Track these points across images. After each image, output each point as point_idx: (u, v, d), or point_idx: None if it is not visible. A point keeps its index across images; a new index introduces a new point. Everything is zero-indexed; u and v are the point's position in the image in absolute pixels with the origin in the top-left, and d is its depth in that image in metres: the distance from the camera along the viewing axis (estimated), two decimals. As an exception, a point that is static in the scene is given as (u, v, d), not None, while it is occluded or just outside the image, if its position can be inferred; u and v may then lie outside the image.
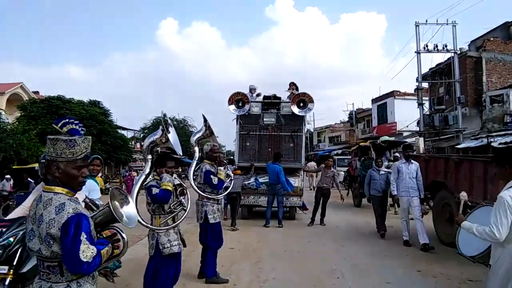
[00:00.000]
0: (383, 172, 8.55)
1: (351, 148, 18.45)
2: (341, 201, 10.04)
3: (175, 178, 4.18)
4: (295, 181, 10.33)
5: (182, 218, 4.10)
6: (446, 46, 21.50)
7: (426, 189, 7.71)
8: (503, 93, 20.09)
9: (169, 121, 4.38)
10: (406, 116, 29.78)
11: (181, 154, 4.09)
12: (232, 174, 10.93)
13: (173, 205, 4.04)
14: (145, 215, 3.97)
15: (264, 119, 10.78)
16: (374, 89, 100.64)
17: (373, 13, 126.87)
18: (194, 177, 5.02)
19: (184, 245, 4.25)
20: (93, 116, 21.82)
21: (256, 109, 10.87)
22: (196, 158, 5.19)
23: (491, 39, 22.21)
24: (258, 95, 11.52)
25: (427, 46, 21.78)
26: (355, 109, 42.96)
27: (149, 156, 3.92)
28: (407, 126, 29.72)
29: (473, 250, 3.29)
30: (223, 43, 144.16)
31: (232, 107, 10.77)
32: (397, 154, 13.53)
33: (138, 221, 3.61)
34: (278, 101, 10.97)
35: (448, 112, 21.75)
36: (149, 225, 3.90)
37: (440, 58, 24.74)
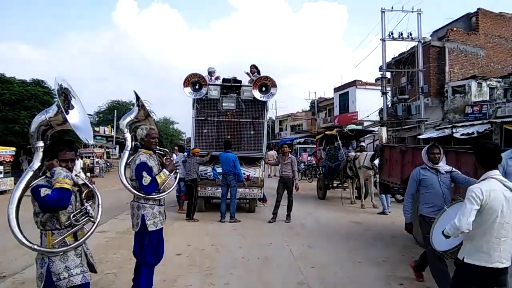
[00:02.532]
0: (446, 172, 4.45)
1: (315, 137, 17.69)
2: (295, 190, 9.07)
3: (77, 175, 2.87)
4: (255, 172, 9.76)
5: (89, 234, 2.82)
6: (411, 34, 21.05)
7: (403, 183, 6.86)
8: (465, 84, 19.92)
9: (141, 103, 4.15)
10: (368, 105, 30.01)
11: (90, 140, 2.98)
12: (178, 156, 10.45)
13: (74, 216, 2.73)
14: (31, 232, 2.75)
15: (223, 104, 10.03)
16: (336, 78, 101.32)
17: (334, 4, 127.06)
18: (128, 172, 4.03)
19: (93, 271, 2.98)
20: (35, 96, 19.79)
21: (214, 93, 10.09)
22: (128, 148, 4.19)
23: (454, 29, 21.98)
24: (217, 78, 10.73)
25: (392, 33, 21.23)
26: (317, 98, 43.08)
27: (40, 143, 2.69)
28: (367, 116, 29.73)
29: (445, 245, 3.26)
30: (184, 26, 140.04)
31: (188, 89, 9.87)
32: (363, 143, 12.95)
33: (19, 240, 2.46)
34: (239, 84, 10.20)
35: (411, 102, 21.42)
36: (36, 246, 2.63)
37: (403, 48, 24.45)
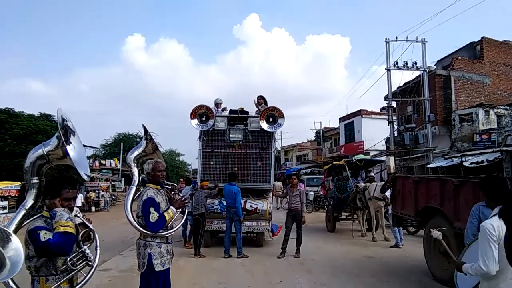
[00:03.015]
0: None
1: (322, 167, 17.50)
2: (303, 223, 8.80)
3: (76, 215, 2.69)
4: (263, 204, 9.65)
5: (86, 279, 2.59)
6: (415, 63, 21.15)
7: (417, 215, 6.63)
8: (472, 112, 19.79)
9: (148, 135, 4.20)
10: (373, 134, 30.19)
11: (87, 176, 2.81)
12: (185, 190, 10.32)
13: (70, 260, 2.51)
14: (19, 277, 2.53)
15: (230, 135, 9.96)
16: (341, 108, 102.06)
17: (337, 36, 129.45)
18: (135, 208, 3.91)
19: None
20: (43, 131, 19.90)
21: (221, 125, 10.07)
22: (135, 183, 4.10)
23: (459, 58, 22.10)
24: (223, 109, 10.76)
25: (397, 63, 21.34)
26: (322, 128, 43.23)
27: (35, 180, 2.56)
28: (374, 146, 29.68)
29: (468, 285, 3.03)
30: (190, 60, 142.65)
31: (195, 121, 9.86)
32: (372, 174, 12.77)
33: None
34: (246, 115, 10.17)
35: (418, 131, 21.26)
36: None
37: (408, 77, 24.58)
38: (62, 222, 2.42)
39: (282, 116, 9.80)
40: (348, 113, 35.75)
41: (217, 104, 10.78)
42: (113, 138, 50.00)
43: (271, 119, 9.79)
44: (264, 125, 9.72)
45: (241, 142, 9.87)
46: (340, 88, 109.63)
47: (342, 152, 34.34)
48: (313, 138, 47.58)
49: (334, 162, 13.92)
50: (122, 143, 42.01)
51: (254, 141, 9.86)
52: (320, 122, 43.70)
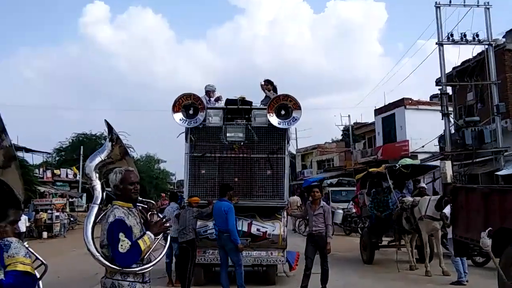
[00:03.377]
0: None
1: (354, 176, 17.49)
2: (328, 252, 8.82)
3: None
4: (274, 227, 9.70)
5: None
6: (477, 35, 20.99)
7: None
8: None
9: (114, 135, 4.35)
10: (421, 132, 30.30)
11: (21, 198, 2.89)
12: (170, 208, 10.34)
13: None
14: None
15: (228, 134, 10.03)
16: (377, 97, 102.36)
17: (368, 1, 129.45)
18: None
19: None
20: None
21: (215, 120, 10.14)
22: (98, 200, 4.12)
23: (537, 26, 21.90)
24: (217, 99, 10.96)
25: (451, 35, 21.21)
26: (351, 124, 43.44)
27: None
28: (422, 146, 29.83)
29: None
30: (172, 36, 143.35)
31: (179, 116, 9.92)
32: (423, 184, 12.89)
33: None
34: (249, 107, 10.27)
35: (483, 126, 21.10)
36: None
37: (467, 54, 24.36)
38: (19, 258, 2.44)
39: (298, 108, 9.81)
40: (387, 104, 35.71)
41: (209, 92, 10.84)
42: (71, 140, 50.23)
43: (283, 112, 9.82)
44: (274, 119, 9.73)
45: (242, 143, 9.92)
46: (374, 70, 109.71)
47: (379, 155, 34.39)
48: (340, 137, 47.62)
49: (370, 170, 13.90)
50: (82, 147, 42.21)
51: (260, 141, 9.88)
52: (349, 116, 43.70)
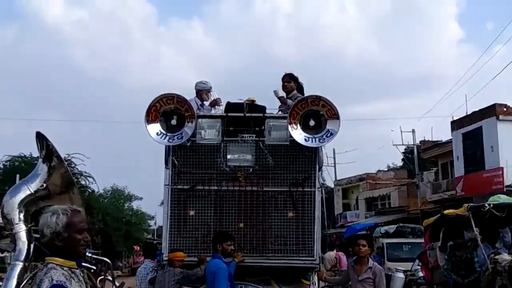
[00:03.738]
0: None
1: (423, 223, 17.30)
2: None
3: None
4: None
5: None
6: None
7: None
8: None
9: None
10: None
11: None
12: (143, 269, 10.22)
13: None
14: None
15: (229, 157, 9.93)
16: (455, 103, 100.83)
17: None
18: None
19: None
20: None
21: (210, 134, 10.06)
22: (22, 256, 4.23)
23: None
24: (214, 103, 11.13)
25: None
26: (417, 143, 43.69)
27: None
28: None
29: None
30: (152, 13, 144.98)
31: (155, 128, 9.78)
32: None
33: None
34: (261, 115, 10.13)
35: None
36: None
37: None
38: None
39: (336, 116, 9.61)
40: (470, 113, 36.04)
41: (201, 93, 10.91)
42: (1, 166, 50.62)
43: (312, 123, 9.66)
44: (299, 134, 9.54)
45: (251, 170, 9.83)
46: (450, 64, 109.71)
47: (459, 190, 34.71)
48: (400, 163, 47.20)
49: (446, 212, 13.79)
50: (18, 175, 42.37)
51: (278, 167, 9.78)
52: (413, 132, 43.94)
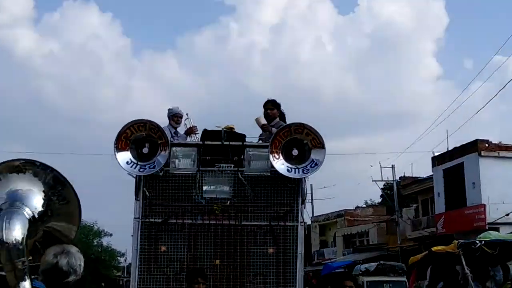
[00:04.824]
0: None
1: (409, 260, 17.14)
2: None
3: None
4: None
5: None
6: None
7: None
8: None
9: None
10: (505, 192, 31.26)
11: None
12: None
13: None
14: None
15: (205, 188, 9.65)
16: (436, 139, 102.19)
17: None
18: None
19: None
20: None
21: (185, 163, 9.85)
22: None
23: None
24: (190, 132, 11.04)
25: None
26: (397, 179, 44.11)
27: None
28: (507, 215, 30.27)
29: None
30: (126, 44, 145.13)
31: (125, 156, 9.46)
32: None
33: None
34: (239, 143, 9.86)
35: None
36: None
37: None
38: None
39: (321, 145, 9.37)
40: (451, 149, 36.47)
41: (175, 118, 10.78)
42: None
43: (295, 152, 9.41)
44: (281, 164, 9.27)
45: (228, 203, 9.55)
46: (429, 100, 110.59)
47: (440, 228, 35.14)
48: (379, 199, 47.19)
49: (434, 249, 13.56)
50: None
51: (258, 200, 9.50)
52: (393, 167, 44.09)
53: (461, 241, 13.61)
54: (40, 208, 4.71)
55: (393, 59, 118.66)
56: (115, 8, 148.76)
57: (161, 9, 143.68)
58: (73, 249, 4.30)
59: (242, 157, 9.62)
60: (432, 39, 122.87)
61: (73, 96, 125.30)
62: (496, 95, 54.74)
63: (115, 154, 9.36)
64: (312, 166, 9.32)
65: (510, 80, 33.83)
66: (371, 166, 50.85)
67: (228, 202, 9.53)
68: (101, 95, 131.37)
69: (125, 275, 49.14)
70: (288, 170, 9.24)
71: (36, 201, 4.68)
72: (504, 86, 37.56)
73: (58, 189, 5.04)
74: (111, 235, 61.32)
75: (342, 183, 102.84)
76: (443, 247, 13.37)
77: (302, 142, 9.38)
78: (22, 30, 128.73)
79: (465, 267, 12.11)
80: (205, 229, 9.48)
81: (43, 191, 4.81)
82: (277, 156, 9.23)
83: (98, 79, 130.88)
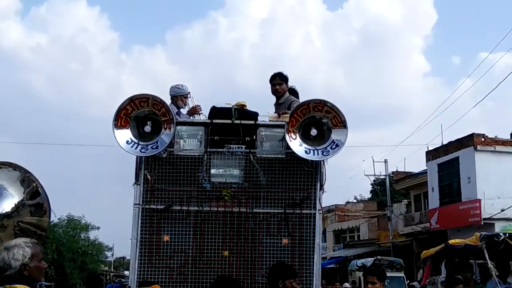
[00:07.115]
0: None
1: (422, 254, 16.68)
2: None
3: None
4: None
5: None
6: None
7: None
8: None
9: None
10: (501, 187, 31.24)
11: None
12: None
13: None
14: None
15: (213, 171, 9.20)
16: (430, 134, 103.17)
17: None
18: None
19: None
20: None
21: (191, 143, 9.43)
22: None
23: None
24: (193, 112, 10.26)
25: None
26: (389, 173, 44.40)
27: None
28: (503, 210, 30.33)
29: None
30: (114, 39, 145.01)
31: (125, 135, 8.83)
32: None
33: None
34: (251, 122, 9.25)
35: None
36: None
37: None
38: None
39: (343, 125, 8.75)
40: (446, 142, 36.57)
41: (176, 99, 10.04)
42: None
43: (314, 132, 8.74)
44: (298, 145, 8.65)
45: (237, 188, 9.04)
46: (417, 96, 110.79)
47: (433, 223, 35.37)
48: (369, 195, 47.17)
49: (451, 242, 13.19)
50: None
51: (271, 184, 8.95)
52: (385, 162, 44.48)
53: (484, 233, 13.35)
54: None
55: (382, 55, 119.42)
56: (103, 2, 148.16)
57: (149, 3, 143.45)
58: (19, 243, 4.56)
59: (254, 138, 9.08)
60: (422, 36, 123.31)
61: (61, 89, 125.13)
62: (487, 95, 55.24)
63: (114, 133, 8.70)
64: (332, 147, 8.71)
65: (502, 81, 33.90)
66: (364, 160, 51.25)
67: (238, 186, 9.03)
68: (90, 88, 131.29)
69: (112, 269, 48.72)
70: (306, 152, 8.63)
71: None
72: (495, 87, 37.59)
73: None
74: (98, 228, 61.58)
75: (333, 178, 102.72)
76: (462, 240, 13.09)
77: (322, 121, 8.80)
78: (8, 23, 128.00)
79: (489, 261, 11.75)
80: (213, 217, 8.97)
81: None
82: (294, 136, 8.63)
83: (86, 72, 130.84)
